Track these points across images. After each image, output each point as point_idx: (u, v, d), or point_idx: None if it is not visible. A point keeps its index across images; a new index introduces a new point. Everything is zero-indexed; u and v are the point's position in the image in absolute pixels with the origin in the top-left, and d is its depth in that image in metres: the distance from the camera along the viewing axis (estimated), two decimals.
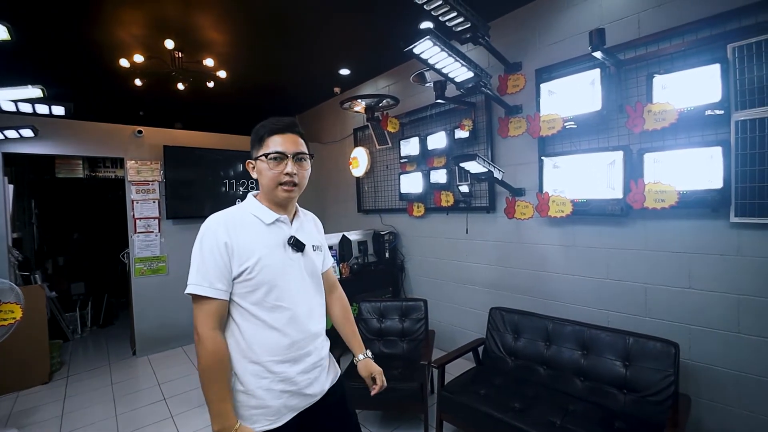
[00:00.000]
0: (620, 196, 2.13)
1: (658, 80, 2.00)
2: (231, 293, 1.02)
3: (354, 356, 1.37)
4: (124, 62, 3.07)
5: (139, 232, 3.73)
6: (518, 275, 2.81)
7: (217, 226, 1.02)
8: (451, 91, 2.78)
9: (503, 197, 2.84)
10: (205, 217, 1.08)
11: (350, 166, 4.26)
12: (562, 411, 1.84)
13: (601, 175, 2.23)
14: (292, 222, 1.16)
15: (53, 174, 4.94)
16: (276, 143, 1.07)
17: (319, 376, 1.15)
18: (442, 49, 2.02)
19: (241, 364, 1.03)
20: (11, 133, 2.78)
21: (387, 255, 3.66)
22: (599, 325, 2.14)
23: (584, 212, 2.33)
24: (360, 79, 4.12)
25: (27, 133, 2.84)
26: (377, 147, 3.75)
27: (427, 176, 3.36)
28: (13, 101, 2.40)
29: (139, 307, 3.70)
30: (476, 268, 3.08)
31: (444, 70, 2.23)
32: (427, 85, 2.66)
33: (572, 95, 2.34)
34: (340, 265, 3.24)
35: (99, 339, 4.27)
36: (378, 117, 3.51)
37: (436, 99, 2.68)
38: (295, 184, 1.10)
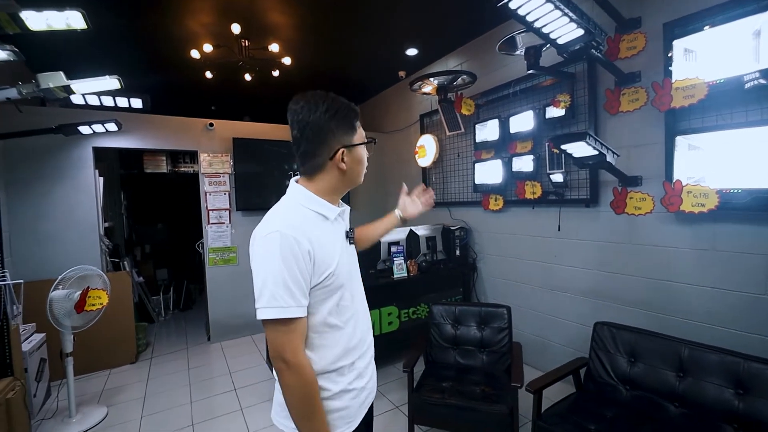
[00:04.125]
0: None
1: None
2: None
3: (399, 217, 1.38)
4: (195, 53, 3.08)
5: (212, 223, 3.83)
6: (628, 283, 2.29)
7: (294, 232, 0.85)
8: (544, 60, 2.32)
9: (609, 188, 2.33)
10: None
11: (416, 156, 3.95)
12: None
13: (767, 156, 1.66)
14: None
15: (141, 169, 5.37)
16: (361, 128, 1.00)
17: (374, 368, 1.11)
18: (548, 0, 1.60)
19: (321, 374, 0.93)
20: (98, 127, 2.93)
21: (458, 252, 3.31)
22: (762, 357, 1.60)
23: (736, 206, 1.77)
24: (428, 59, 3.77)
25: (111, 127, 2.97)
26: (447, 133, 3.39)
27: (507, 164, 2.93)
28: (95, 94, 2.47)
29: (212, 295, 3.81)
30: (570, 272, 2.60)
31: (545, 30, 1.80)
32: (518, 53, 2.24)
33: (722, 52, 1.77)
34: (408, 262, 2.98)
35: (179, 322, 4.55)
36: (451, 98, 3.14)
37: (529, 69, 2.24)
38: None
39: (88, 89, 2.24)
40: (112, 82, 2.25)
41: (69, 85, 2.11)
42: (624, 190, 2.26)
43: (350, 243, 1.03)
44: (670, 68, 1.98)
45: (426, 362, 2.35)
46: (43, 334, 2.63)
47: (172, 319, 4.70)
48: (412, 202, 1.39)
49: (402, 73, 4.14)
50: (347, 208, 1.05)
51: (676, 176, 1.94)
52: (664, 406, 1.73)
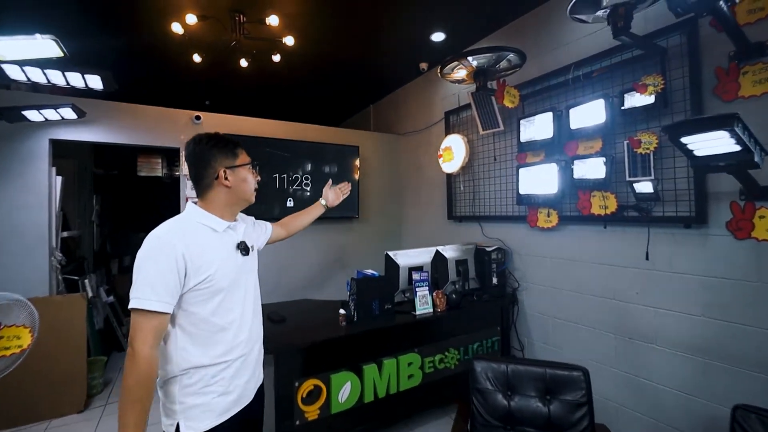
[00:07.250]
0: None
1: None
2: (180, 303, 1.01)
3: (323, 204, 1.71)
4: (176, 27, 2.51)
5: None
6: (760, 340, 1.60)
7: (171, 237, 1.00)
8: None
9: (725, 202, 1.67)
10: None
11: (440, 160, 3.32)
12: None
13: None
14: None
15: (128, 170, 4.78)
16: (245, 155, 1.19)
17: (257, 372, 1.22)
18: None
19: (187, 371, 1.02)
20: (50, 113, 2.35)
21: (495, 281, 2.63)
22: None
23: None
24: (457, 45, 3.17)
25: (68, 113, 2.40)
26: (481, 132, 2.76)
27: (565, 169, 2.28)
28: (31, 64, 1.88)
29: None
30: (660, 317, 1.91)
31: None
32: (601, 12, 1.62)
33: None
34: (434, 293, 2.30)
35: None
36: (491, 87, 2.52)
37: (615, 36, 1.61)
38: None
39: (12, 53, 1.65)
40: (46, 45, 1.65)
41: None
42: (750, 206, 1.60)
43: (243, 254, 1.16)
44: None
45: None
46: None
47: None
48: (334, 192, 1.72)
49: (424, 65, 3.55)
50: (242, 225, 1.21)
51: None
52: None
